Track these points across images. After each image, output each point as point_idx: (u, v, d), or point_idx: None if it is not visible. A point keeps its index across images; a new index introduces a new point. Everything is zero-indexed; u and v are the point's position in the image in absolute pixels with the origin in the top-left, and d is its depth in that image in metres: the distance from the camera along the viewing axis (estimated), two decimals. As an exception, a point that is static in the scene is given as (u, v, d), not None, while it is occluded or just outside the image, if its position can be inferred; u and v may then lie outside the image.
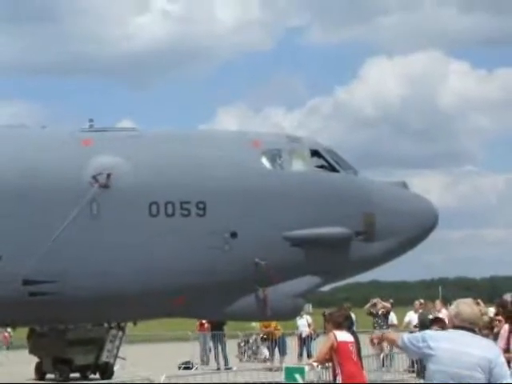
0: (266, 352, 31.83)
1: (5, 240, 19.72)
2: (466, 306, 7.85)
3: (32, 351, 27.09)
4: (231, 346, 33.06)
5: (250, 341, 34.52)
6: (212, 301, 20.72)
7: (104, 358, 25.94)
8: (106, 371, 25.73)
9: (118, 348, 26.53)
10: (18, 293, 19.80)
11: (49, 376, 26.08)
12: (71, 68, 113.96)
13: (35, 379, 25.88)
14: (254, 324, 32.64)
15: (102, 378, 24.83)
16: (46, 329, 25.42)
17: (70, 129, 21.80)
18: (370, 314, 28.64)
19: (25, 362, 28.72)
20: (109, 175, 20.07)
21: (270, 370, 20.22)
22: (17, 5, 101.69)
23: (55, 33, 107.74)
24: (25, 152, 20.60)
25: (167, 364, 28.67)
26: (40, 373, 26.41)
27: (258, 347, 33.67)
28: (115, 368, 26.59)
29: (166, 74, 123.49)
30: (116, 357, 26.66)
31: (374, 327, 27.75)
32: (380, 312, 28.34)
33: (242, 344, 34.89)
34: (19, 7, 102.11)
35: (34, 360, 27.10)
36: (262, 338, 32.31)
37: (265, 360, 31.53)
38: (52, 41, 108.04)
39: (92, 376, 25.80)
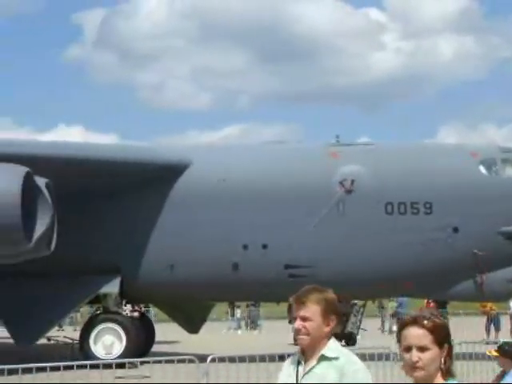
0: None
1: (271, 233, 20.94)
2: None
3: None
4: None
5: None
6: (437, 284, 21.16)
7: (349, 328, 26.82)
8: (350, 340, 26.52)
9: (360, 321, 27.43)
10: (280, 275, 20.91)
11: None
12: (321, 95, 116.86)
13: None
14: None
15: (347, 345, 25.63)
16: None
17: (320, 143, 22.82)
18: None
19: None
20: (352, 181, 20.89)
21: (487, 343, 20.32)
22: (281, 47, 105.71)
23: (309, 67, 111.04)
24: (283, 161, 21.76)
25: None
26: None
27: None
28: (358, 337, 27.43)
29: (396, 99, 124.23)
30: (359, 328, 27.50)
31: None
32: None
33: None
34: (283, 50, 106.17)
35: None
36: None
37: None
38: (307, 74, 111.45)
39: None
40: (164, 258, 20.88)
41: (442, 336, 3.76)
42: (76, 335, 23.89)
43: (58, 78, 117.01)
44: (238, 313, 39.52)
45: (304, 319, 4.53)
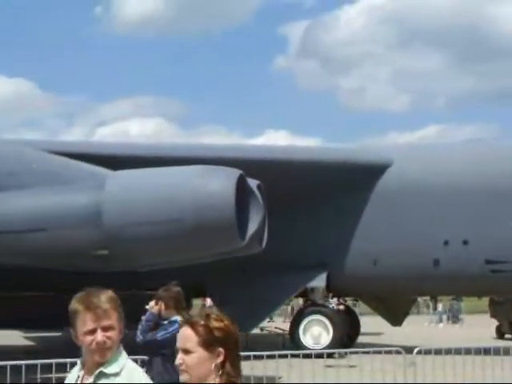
0: None
1: (471, 229, 20.53)
2: None
3: (493, 316, 27.80)
4: None
5: None
6: None
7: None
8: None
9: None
10: (481, 270, 20.48)
11: (507, 336, 26.45)
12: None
13: (496, 338, 26.35)
14: None
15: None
16: (504, 298, 25.92)
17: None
18: None
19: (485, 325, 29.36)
20: None
21: None
22: (478, 48, 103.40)
23: (507, 67, 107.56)
24: (482, 158, 21.24)
25: None
26: (500, 333, 26.94)
27: None
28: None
29: None
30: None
31: None
32: None
33: None
34: (480, 50, 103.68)
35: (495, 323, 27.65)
36: None
37: None
38: (504, 73, 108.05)
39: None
40: (368, 253, 20.96)
41: (211, 339, 3.26)
42: (285, 326, 24.35)
43: (265, 87, 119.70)
44: (440, 307, 39.15)
45: (107, 329, 3.65)
